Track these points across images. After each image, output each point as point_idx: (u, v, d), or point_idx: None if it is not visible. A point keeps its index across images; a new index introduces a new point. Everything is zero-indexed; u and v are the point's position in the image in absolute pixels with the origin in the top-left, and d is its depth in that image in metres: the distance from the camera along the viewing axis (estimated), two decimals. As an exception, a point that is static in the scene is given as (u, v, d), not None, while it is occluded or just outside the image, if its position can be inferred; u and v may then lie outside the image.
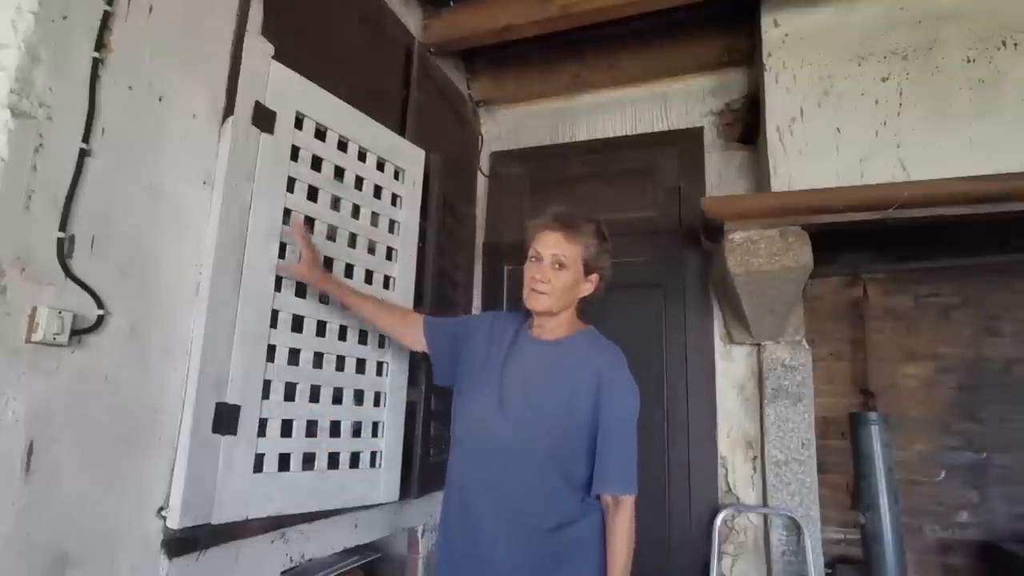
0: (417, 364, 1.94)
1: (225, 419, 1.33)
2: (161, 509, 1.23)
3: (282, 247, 1.50)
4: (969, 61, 1.93)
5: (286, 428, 1.50)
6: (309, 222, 1.58)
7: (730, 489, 2.24)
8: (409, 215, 1.95)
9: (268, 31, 1.48)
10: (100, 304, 1.11)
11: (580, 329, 1.45)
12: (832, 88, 2.04)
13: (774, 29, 2.15)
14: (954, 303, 2.20)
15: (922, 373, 2.19)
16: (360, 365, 1.74)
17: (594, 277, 1.41)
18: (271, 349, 1.46)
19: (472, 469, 1.38)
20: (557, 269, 1.36)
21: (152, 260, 1.23)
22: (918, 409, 2.18)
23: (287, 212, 1.52)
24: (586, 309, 1.49)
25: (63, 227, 1.05)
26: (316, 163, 1.62)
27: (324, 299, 1.63)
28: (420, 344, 1.60)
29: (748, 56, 2.45)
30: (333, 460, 1.62)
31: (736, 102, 2.50)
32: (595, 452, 1.31)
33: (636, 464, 1.33)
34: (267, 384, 1.45)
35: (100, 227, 1.12)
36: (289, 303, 1.51)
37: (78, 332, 1.07)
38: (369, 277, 1.78)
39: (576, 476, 1.33)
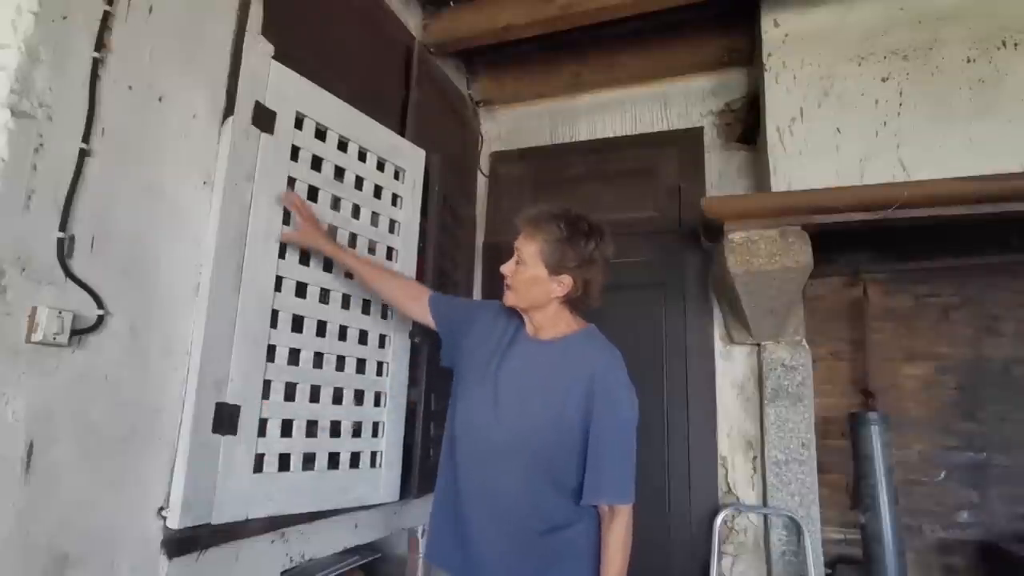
0: (417, 364, 1.94)
1: (225, 419, 1.33)
2: (161, 509, 1.23)
3: (282, 247, 1.50)
4: (969, 61, 1.93)
5: (286, 428, 1.51)
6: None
7: (730, 489, 2.24)
8: (409, 215, 1.95)
9: (268, 31, 1.48)
10: (100, 304, 1.11)
11: (577, 329, 1.41)
12: (832, 88, 2.04)
13: (774, 29, 2.15)
14: (954, 303, 2.20)
15: (922, 373, 2.19)
16: (360, 365, 1.74)
17: (565, 279, 1.33)
18: (271, 349, 1.46)
19: (466, 469, 1.37)
20: (516, 264, 1.37)
21: (152, 260, 1.23)
22: (918, 409, 2.17)
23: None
24: (586, 309, 1.47)
25: (63, 227, 1.05)
26: (316, 163, 1.62)
27: (324, 299, 1.63)
28: (427, 318, 1.58)
29: (748, 56, 2.45)
30: (333, 460, 1.62)
31: (736, 102, 2.51)
32: (588, 450, 1.29)
33: (633, 472, 1.30)
34: (267, 384, 1.45)
35: (100, 227, 1.12)
36: (289, 303, 1.52)
37: (78, 332, 1.07)
38: (369, 277, 1.78)
39: (567, 482, 1.31)
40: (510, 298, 1.40)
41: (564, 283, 1.34)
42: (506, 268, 1.39)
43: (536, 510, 1.31)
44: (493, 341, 1.46)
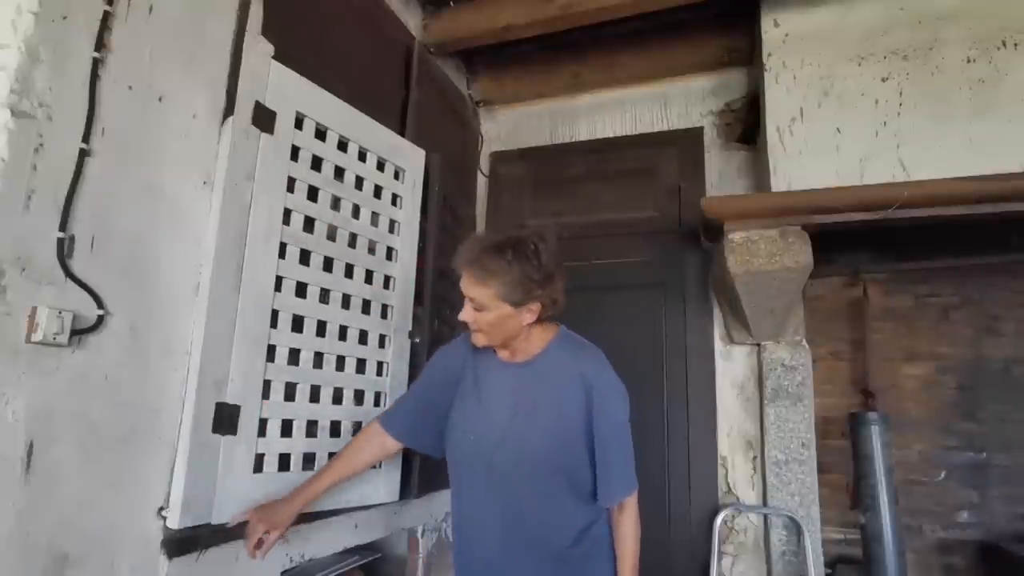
0: (417, 364, 1.93)
1: (225, 419, 1.33)
2: (161, 509, 1.23)
3: (282, 247, 1.50)
4: (969, 61, 1.93)
5: (286, 428, 1.51)
6: (309, 222, 1.58)
7: (730, 489, 2.24)
8: (409, 215, 1.95)
9: (268, 31, 1.48)
10: (100, 304, 1.11)
11: (551, 338, 1.37)
12: (832, 88, 2.04)
13: (774, 29, 2.15)
14: (954, 303, 2.20)
15: (922, 373, 2.19)
16: (360, 365, 1.74)
17: (534, 306, 1.27)
18: (271, 349, 1.46)
19: (484, 509, 1.34)
20: (476, 311, 1.28)
21: (152, 260, 1.23)
22: (918, 409, 2.17)
23: (287, 212, 1.52)
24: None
25: (63, 227, 1.05)
26: (316, 163, 1.62)
27: (324, 299, 1.63)
28: (396, 445, 1.48)
29: (748, 56, 2.45)
30: (333, 460, 1.62)
31: (736, 102, 2.51)
32: (596, 455, 1.30)
33: (634, 461, 1.33)
34: (267, 384, 1.45)
35: (100, 227, 1.12)
36: (289, 303, 1.51)
37: (78, 332, 1.07)
38: (369, 277, 1.78)
39: (585, 485, 1.32)
40: (481, 340, 1.33)
41: (533, 309, 1.28)
42: (466, 316, 1.30)
43: (565, 523, 1.31)
44: (468, 376, 1.42)
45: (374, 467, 1.72)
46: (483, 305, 1.27)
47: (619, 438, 1.31)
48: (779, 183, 2.02)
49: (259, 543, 1.33)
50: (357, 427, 1.71)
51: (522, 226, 1.35)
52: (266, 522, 1.32)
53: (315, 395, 1.59)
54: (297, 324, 1.54)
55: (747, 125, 2.41)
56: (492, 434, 1.33)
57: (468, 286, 1.27)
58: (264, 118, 1.45)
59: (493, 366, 1.40)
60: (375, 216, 1.82)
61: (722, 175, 2.47)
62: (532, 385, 1.34)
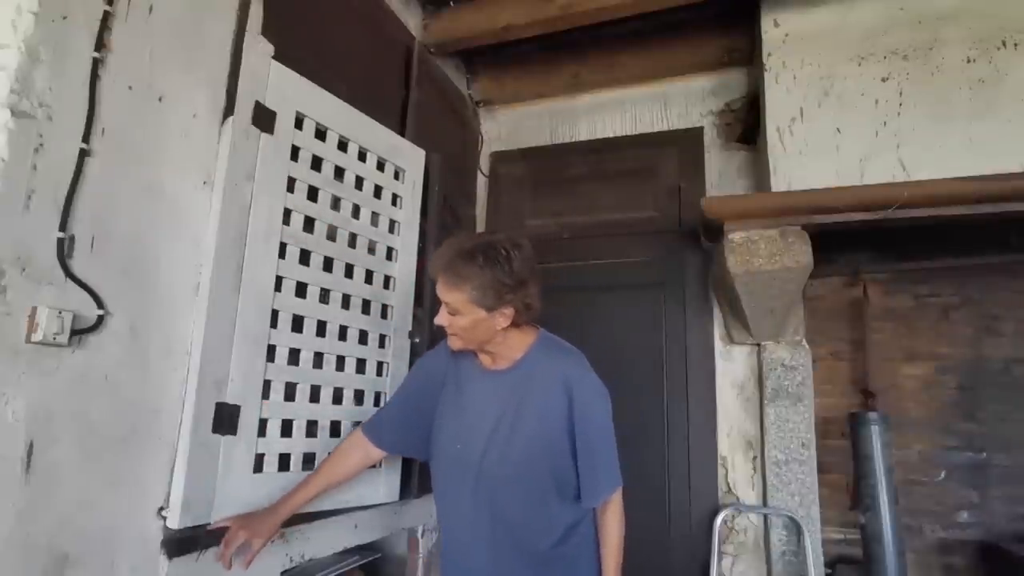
0: (417, 364, 1.94)
1: (225, 419, 1.33)
2: (161, 509, 1.23)
3: (282, 247, 1.50)
4: (969, 61, 1.93)
5: (286, 428, 1.51)
6: (309, 222, 1.58)
7: (730, 489, 2.24)
8: (409, 215, 1.95)
9: (268, 31, 1.48)
10: (100, 304, 1.11)
11: (531, 343, 1.38)
12: (832, 88, 2.04)
13: (774, 29, 2.15)
14: (954, 303, 2.19)
15: (922, 373, 2.19)
16: (360, 365, 1.74)
17: (507, 310, 1.28)
18: (271, 349, 1.46)
19: (473, 515, 1.34)
20: (451, 315, 1.30)
21: (152, 260, 1.23)
22: (918, 409, 2.17)
23: (287, 212, 1.52)
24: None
25: (63, 227, 1.05)
26: (316, 163, 1.62)
27: (324, 299, 1.63)
28: (379, 453, 1.51)
29: (748, 56, 2.45)
30: (333, 460, 1.62)
31: (736, 102, 2.51)
32: (579, 457, 1.31)
33: (617, 457, 1.34)
34: (267, 384, 1.45)
35: (100, 227, 1.12)
36: (289, 303, 1.52)
37: (78, 332, 1.07)
38: (369, 277, 1.78)
39: (570, 486, 1.33)
40: (456, 343, 1.35)
41: (507, 313, 1.29)
42: (441, 320, 1.33)
43: (552, 525, 1.32)
44: (450, 386, 1.43)
45: (373, 467, 1.72)
46: (457, 309, 1.29)
47: (603, 440, 1.33)
48: (779, 183, 2.02)
49: (237, 550, 1.29)
50: (357, 427, 1.70)
51: (493, 232, 1.35)
52: (248, 531, 1.30)
53: (315, 395, 1.59)
54: (297, 324, 1.54)
55: (747, 125, 2.41)
56: (478, 443, 1.33)
57: (442, 291, 1.30)
58: (264, 118, 1.45)
59: (475, 374, 1.41)
60: (375, 216, 1.82)
61: (722, 175, 2.47)
62: (515, 392, 1.34)
